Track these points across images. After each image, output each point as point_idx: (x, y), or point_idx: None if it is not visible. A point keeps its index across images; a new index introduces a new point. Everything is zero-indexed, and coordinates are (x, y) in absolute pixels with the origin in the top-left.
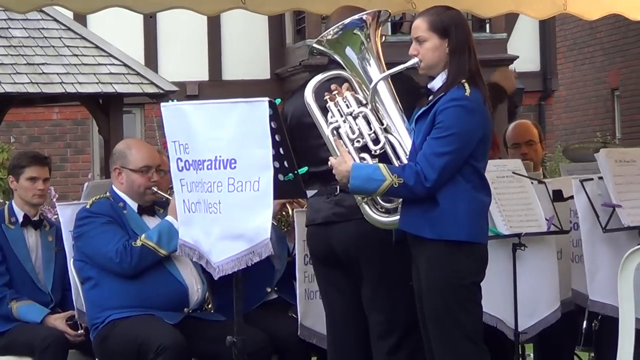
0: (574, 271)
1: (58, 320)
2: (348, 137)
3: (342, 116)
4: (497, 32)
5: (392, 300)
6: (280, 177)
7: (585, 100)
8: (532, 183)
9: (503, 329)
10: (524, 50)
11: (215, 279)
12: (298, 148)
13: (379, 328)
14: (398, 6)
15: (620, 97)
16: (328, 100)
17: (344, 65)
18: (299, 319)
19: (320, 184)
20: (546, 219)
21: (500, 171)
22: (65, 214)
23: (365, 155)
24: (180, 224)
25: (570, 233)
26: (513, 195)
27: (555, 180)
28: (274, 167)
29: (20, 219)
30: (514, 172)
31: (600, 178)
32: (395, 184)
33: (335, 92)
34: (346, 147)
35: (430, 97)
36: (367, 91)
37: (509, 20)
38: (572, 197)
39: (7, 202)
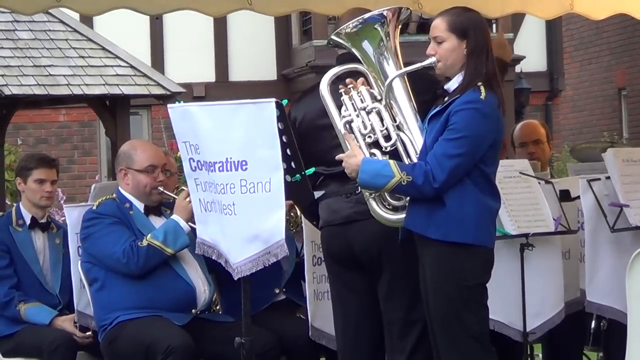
0: (582, 271)
1: (66, 322)
2: (360, 132)
3: (355, 110)
4: (504, 32)
5: (411, 299)
6: (288, 178)
7: (592, 100)
8: (539, 183)
9: (507, 332)
10: (531, 50)
11: (235, 279)
12: (313, 150)
13: (397, 328)
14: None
15: (627, 96)
16: (343, 93)
17: (360, 59)
18: (309, 320)
19: (338, 184)
20: (554, 219)
21: (508, 171)
22: (73, 216)
23: (375, 151)
24: (197, 222)
25: (578, 233)
26: (520, 195)
27: (563, 180)
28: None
29: (28, 221)
30: (521, 172)
31: (608, 178)
32: (404, 182)
33: (350, 86)
34: (357, 141)
35: (446, 98)
36: (382, 87)
37: (516, 20)
38: (579, 197)
39: (15, 205)
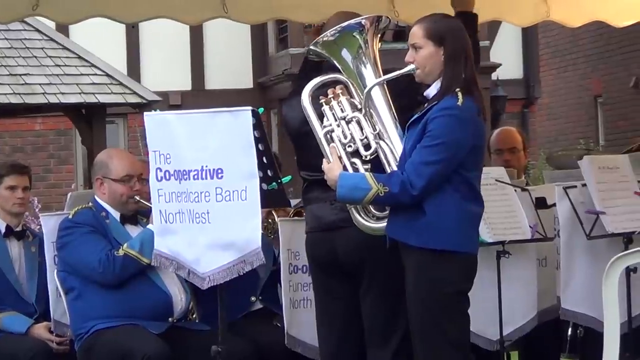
0: (558, 278)
1: (41, 329)
2: (340, 141)
3: (336, 120)
4: (480, 40)
5: (394, 307)
6: (264, 186)
7: (568, 107)
8: (515, 190)
9: (476, 341)
10: (507, 58)
11: (204, 289)
12: (299, 155)
13: (378, 335)
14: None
15: (603, 104)
16: (323, 103)
17: (339, 69)
18: (285, 328)
19: (322, 190)
20: (530, 227)
21: (484, 179)
22: (49, 225)
23: (356, 160)
24: (155, 234)
25: (554, 240)
26: (496, 203)
27: (539, 187)
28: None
29: (3, 230)
30: (497, 180)
31: (584, 185)
32: (381, 193)
33: (331, 96)
34: (338, 151)
35: (425, 105)
36: (362, 96)
37: (492, 28)
38: (555, 204)
39: None
